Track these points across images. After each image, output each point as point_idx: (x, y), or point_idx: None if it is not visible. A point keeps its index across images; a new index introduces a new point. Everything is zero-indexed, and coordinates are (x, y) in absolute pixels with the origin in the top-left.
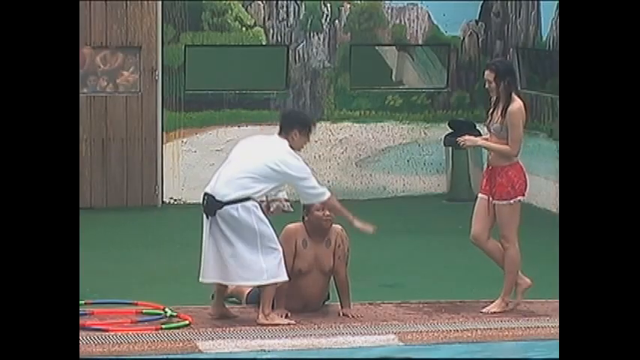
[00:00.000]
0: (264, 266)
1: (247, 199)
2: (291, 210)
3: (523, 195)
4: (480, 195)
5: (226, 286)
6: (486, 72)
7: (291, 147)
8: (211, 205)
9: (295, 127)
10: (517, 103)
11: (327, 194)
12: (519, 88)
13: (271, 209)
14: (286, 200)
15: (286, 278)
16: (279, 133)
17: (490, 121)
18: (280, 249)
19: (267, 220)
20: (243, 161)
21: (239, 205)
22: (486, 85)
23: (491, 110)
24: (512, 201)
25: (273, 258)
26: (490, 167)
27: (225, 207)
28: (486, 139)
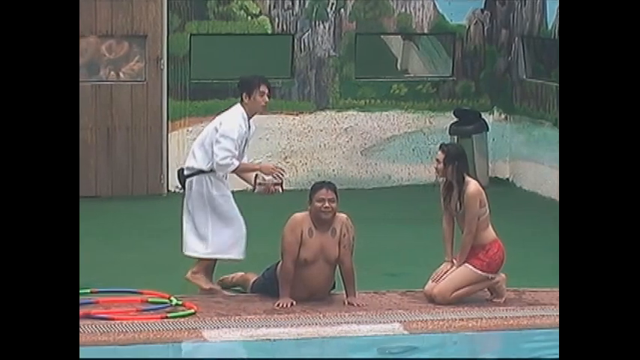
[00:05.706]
0: (212, 240)
1: (200, 172)
2: (280, 191)
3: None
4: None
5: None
6: (439, 152)
7: (250, 111)
8: (179, 178)
9: (243, 91)
10: (472, 185)
11: (231, 167)
12: (469, 171)
13: (256, 190)
14: (275, 184)
15: (239, 257)
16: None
17: (453, 208)
18: (236, 227)
19: (224, 198)
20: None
21: (194, 178)
22: (435, 166)
23: (445, 195)
24: (481, 273)
25: (223, 234)
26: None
27: (186, 180)
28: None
